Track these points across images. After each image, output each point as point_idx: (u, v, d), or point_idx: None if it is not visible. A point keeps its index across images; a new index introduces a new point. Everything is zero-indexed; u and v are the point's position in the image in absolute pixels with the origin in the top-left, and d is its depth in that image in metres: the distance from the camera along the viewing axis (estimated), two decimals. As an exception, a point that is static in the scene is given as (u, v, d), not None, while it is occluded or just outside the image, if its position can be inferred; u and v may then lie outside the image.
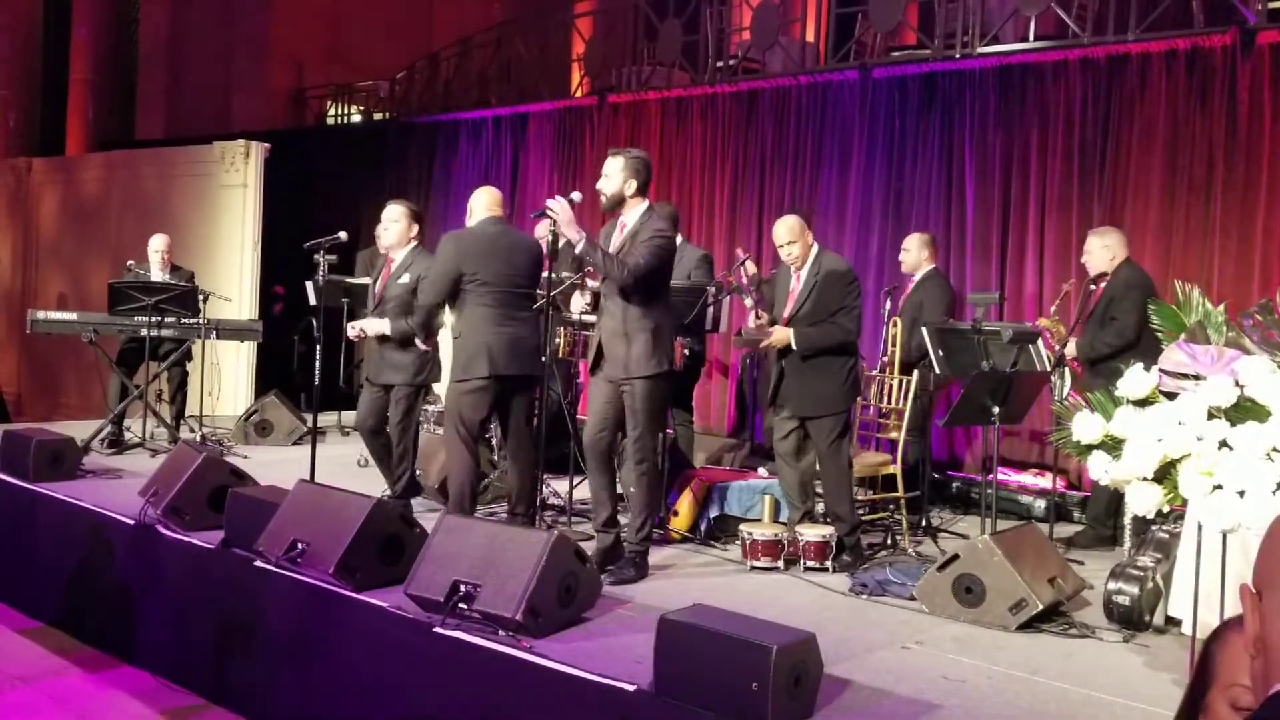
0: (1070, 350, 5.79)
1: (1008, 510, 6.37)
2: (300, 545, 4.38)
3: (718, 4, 9.13)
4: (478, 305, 4.99)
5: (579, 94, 10.38)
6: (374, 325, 5.58)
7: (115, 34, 15.55)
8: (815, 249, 5.21)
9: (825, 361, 5.10)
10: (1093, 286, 5.94)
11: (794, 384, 5.16)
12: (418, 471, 6.25)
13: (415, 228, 5.70)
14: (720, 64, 9.04)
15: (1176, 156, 6.58)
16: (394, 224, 5.67)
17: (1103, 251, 5.73)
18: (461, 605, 3.80)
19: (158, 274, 7.89)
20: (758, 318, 5.26)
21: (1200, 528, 3.19)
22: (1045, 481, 6.55)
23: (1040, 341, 5.69)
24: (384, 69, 13.00)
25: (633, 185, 4.69)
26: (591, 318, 5.17)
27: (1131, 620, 4.14)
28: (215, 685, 4.71)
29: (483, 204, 5.21)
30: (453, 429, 5.02)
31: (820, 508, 5.40)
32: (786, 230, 5.16)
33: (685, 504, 5.54)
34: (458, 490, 5.02)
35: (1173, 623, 4.14)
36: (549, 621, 3.80)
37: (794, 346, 5.08)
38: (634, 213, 4.73)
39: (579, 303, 5.32)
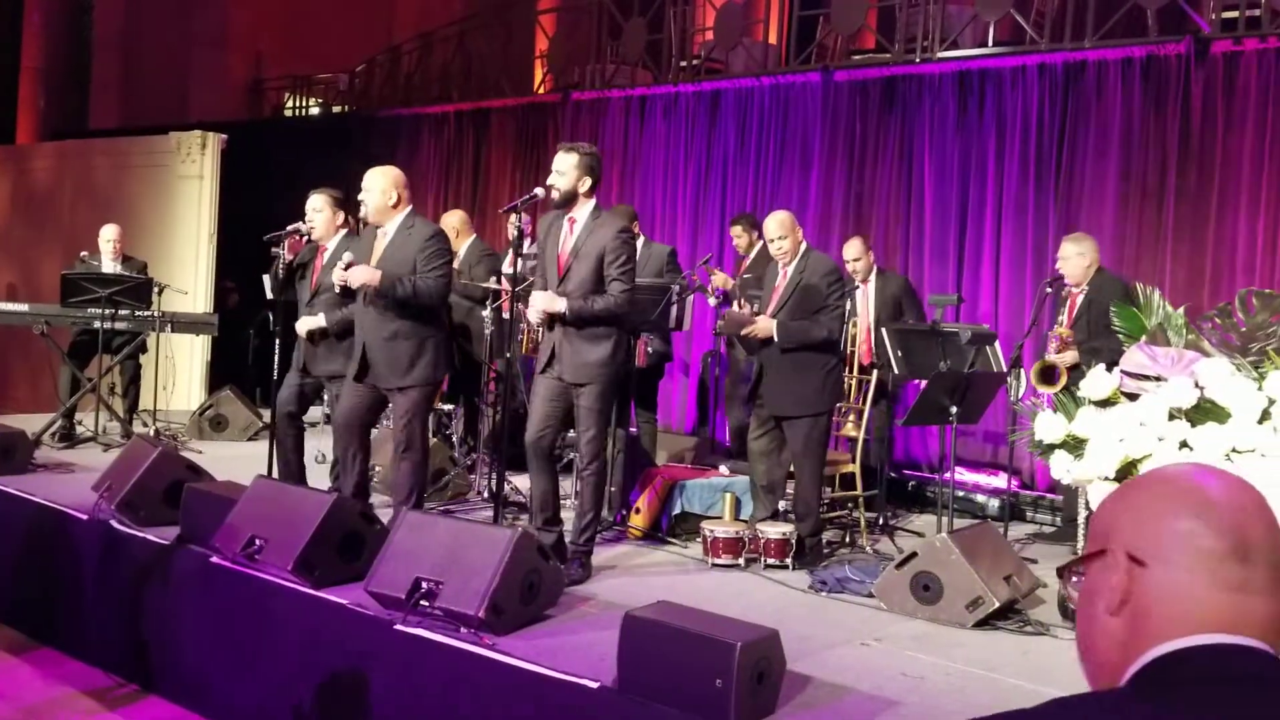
0: (1068, 359, 5.46)
1: (962, 509, 6.44)
2: (258, 541, 4.34)
3: (681, 4, 9.16)
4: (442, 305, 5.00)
5: (542, 91, 10.36)
6: (307, 324, 5.41)
7: (68, 21, 15.25)
8: (804, 246, 5.28)
9: (806, 360, 5.13)
10: (1048, 290, 6.02)
11: (773, 382, 5.18)
12: (375, 467, 6.21)
13: (341, 215, 5.61)
14: (684, 64, 9.06)
15: (1131, 162, 6.70)
16: (318, 214, 5.49)
17: (1078, 259, 5.67)
18: (423, 602, 3.78)
19: (109, 264, 7.78)
20: (740, 306, 5.28)
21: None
22: (999, 481, 6.64)
23: (998, 343, 5.76)
24: (343, 62, 12.88)
25: (587, 183, 4.65)
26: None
27: (1085, 618, 4.20)
28: (170, 682, 4.65)
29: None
30: (424, 428, 5.02)
31: (783, 505, 5.44)
32: (778, 225, 5.20)
33: (647, 502, 5.56)
34: (421, 485, 5.02)
35: (1126, 620, 4.21)
36: (512, 619, 3.79)
37: (774, 338, 5.11)
38: (584, 210, 4.69)
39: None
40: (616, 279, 4.63)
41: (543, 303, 4.61)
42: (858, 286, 6.57)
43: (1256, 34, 6.33)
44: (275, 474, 5.46)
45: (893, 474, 6.71)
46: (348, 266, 4.84)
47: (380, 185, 4.89)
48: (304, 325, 5.40)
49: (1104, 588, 1.14)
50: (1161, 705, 1.04)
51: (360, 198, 4.95)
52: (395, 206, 4.93)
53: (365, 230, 5.13)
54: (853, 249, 6.56)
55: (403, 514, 4.22)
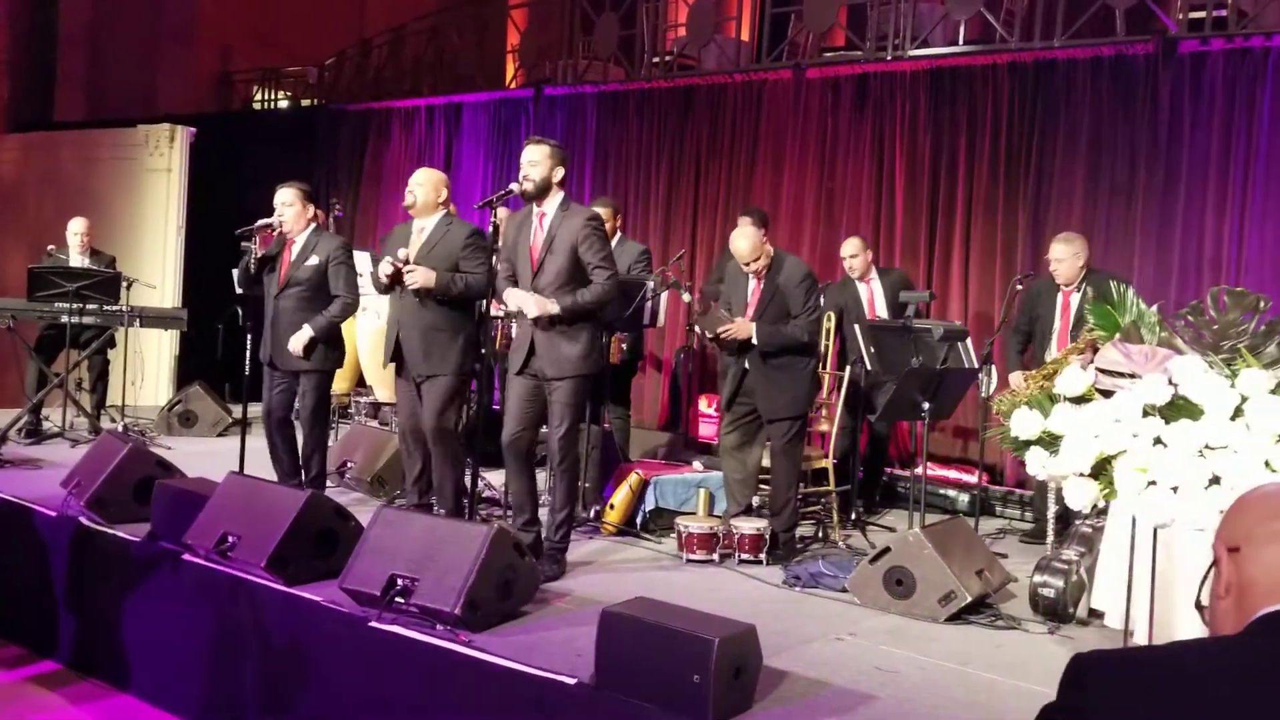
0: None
1: (932, 504, 6.48)
2: (231, 538, 4.31)
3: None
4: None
5: (514, 85, 10.33)
6: (300, 340, 5.37)
7: (34, 11, 15.03)
8: (773, 252, 5.25)
9: (788, 362, 5.16)
10: (1019, 286, 6.08)
11: (758, 384, 5.20)
12: (349, 464, 6.19)
13: (311, 208, 5.62)
14: (656, 59, 9.06)
15: (1100, 160, 6.76)
16: (288, 208, 5.50)
17: (1074, 260, 5.67)
18: (399, 599, 3.78)
19: (77, 258, 7.70)
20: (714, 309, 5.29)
21: (1134, 521, 3.29)
22: (969, 476, 6.69)
23: (969, 340, 5.81)
24: (314, 55, 12.78)
25: (559, 173, 4.67)
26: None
27: (1056, 612, 4.26)
28: (140, 680, 4.61)
29: None
30: (457, 416, 5.04)
31: (756, 500, 5.46)
32: (751, 248, 5.14)
33: (621, 497, 5.56)
34: (460, 483, 5.04)
35: (1096, 615, 4.27)
36: (487, 615, 3.79)
37: (754, 342, 5.12)
38: (553, 203, 4.69)
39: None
40: (599, 266, 4.63)
41: (535, 306, 4.58)
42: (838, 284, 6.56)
43: (1223, 34, 6.41)
44: (276, 471, 5.49)
45: (863, 470, 6.74)
46: (406, 261, 4.93)
47: (433, 182, 5.09)
48: (297, 342, 5.36)
49: (1217, 582, 1.45)
50: (1251, 644, 1.33)
51: (409, 190, 5.10)
52: (439, 205, 5.12)
53: (399, 226, 5.30)
54: (849, 247, 6.52)
55: (378, 510, 4.21)
